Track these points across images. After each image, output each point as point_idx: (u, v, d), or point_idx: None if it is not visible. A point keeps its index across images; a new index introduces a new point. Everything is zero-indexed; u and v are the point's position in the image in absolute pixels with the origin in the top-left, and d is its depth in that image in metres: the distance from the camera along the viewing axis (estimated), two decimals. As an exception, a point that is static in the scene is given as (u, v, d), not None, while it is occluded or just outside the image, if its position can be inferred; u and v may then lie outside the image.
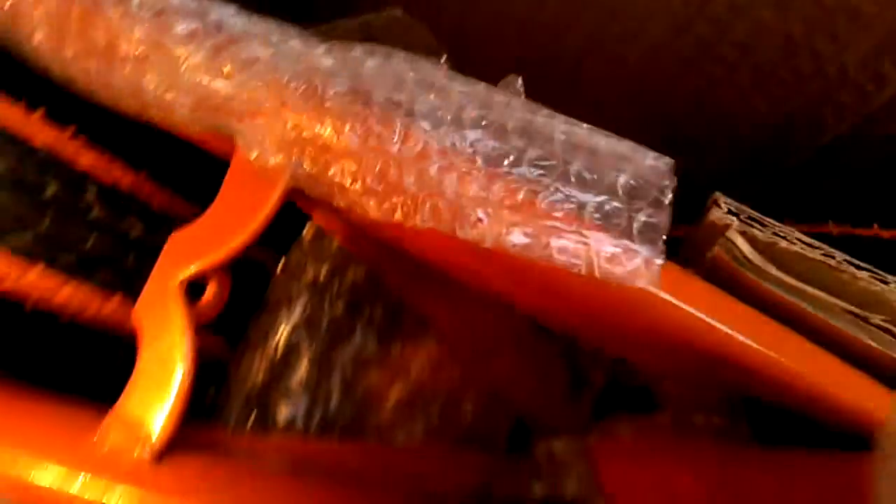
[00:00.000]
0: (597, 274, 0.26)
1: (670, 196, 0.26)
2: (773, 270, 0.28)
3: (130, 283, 0.40)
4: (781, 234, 0.29)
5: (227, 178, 0.33)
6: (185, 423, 0.32)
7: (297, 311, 0.43)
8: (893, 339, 0.28)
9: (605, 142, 0.28)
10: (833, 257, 0.29)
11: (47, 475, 0.29)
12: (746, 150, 0.42)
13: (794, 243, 0.29)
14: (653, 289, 0.26)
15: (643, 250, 0.26)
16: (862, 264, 0.29)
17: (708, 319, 0.27)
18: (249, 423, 0.42)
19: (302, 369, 0.43)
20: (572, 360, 0.48)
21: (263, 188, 0.32)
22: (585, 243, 0.26)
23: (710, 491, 0.33)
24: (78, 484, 0.29)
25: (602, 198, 0.26)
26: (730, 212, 0.29)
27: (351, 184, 0.28)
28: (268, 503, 0.31)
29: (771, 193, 0.41)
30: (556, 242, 0.26)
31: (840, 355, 0.28)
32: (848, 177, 0.40)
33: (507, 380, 0.47)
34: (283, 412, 0.43)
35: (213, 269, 0.32)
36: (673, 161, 0.27)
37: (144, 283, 0.36)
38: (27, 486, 0.29)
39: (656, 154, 0.28)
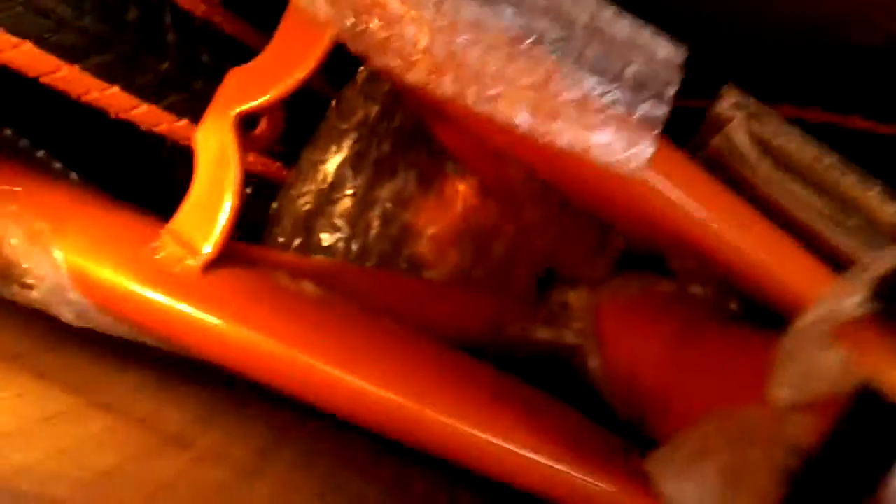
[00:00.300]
0: (592, 158, 0.28)
1: (674, 91, 0.28)
2: (766, 166, 0.30)
3: (199, 105, 0.44)
4: (780, 131, 0.31)
5: (282, 22, 0.36)
6: (234, 240, 0.37)
7: (346, 147, 0.47)
8: (863, 242, 0.30)
9: (626, 28, 0.30)
10: (825, 159, 0.31)
11: (110, 274, 0.34)
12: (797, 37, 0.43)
13: (792, 142, 0.31)
14: (643, 171, 0.29)
15: (639, 139, 0.28)
16: (851, 167, 0.31)
17: (689, 202, 0.30)
18: (294, 245, 0.47)
19: (346, 201, 0.47)
20: (598, 221, 0.50)
21: (314, 36, 0.35)
22: (586, 127, 0.28)
23: (683, 353, 0.36)
24: (133, 283, 0.34)
25: (610, 85, 0.29)
26: (736, 104, 0.31)
27: (386, 46, 0.31)
28: (299, 320, 0.35)
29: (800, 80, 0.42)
30: (558, 124, 0.29)
31: (816, 254, 0.31)
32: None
33: (535, 226, 0.51)
34: (326, 238, 0.47)
35: (265, 107, 0.36)
36: (686, 53, 0.29)
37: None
38: (92, 278, 0.35)
39: (672, 44, 0.30)
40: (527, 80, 0.29)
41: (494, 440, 0.32)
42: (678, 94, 0.48)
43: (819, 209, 0.30)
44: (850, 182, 0.30)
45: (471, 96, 0.29)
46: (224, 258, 0.36)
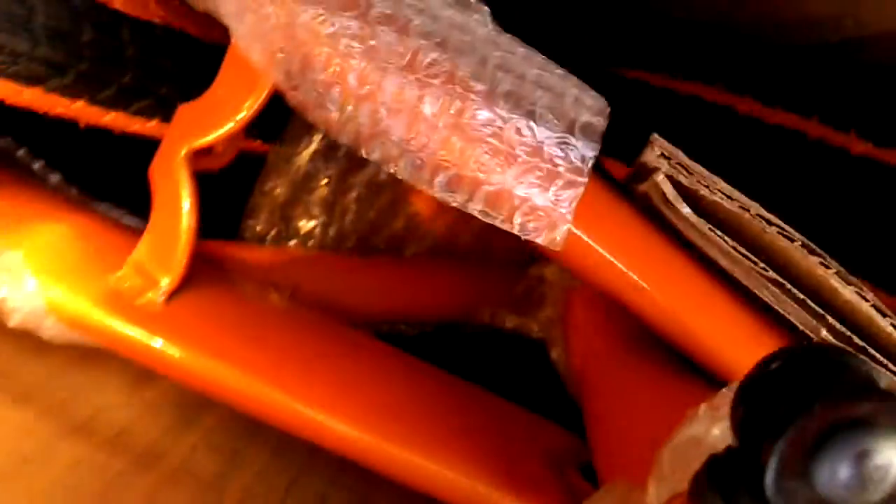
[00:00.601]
0: (510, 229, 0.29)
1: (588, 170, 0.29)
2: (692, 217, 0.31)
3: (167, 108, 0.44)
4: (705, 183, 0.31)
5: (226, 58, 0.36)
6: (205, 240, 0.38)
7: (316, 141, 0.47)
8: (783, 295, 0.31)
9: (550, 90, 0.30)
10: (748, 210, 0.31)
11: (79, 305, 0.37)
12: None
13: (715, 193, 0.31)
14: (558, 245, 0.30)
15: (555, 222, 0.29)
16: (773, 220, 0.31)
17: (614, 263, 0.31)
18: (272, 234, 0.48)
19: (321, 190, 0.49)
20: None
21: (257, 76, 0.35)
22: (506, 202, 0.29)
23: (618, 367, 0.38)
24: (100, 315, 0.36)
25: (528, 162, 0.29)
26: (663, 155, 0.31)
27: (318, 106, 0.31)
28: (263, 347, 0.37)
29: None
30: (476, 198, 0.29)
31: (745, 307, 0.32)
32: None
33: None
34: (304, 226, 0.49)
35: (213, 144, 0.36)
36: (605, 125, 0.30)
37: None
38: (63, 308, 0.37)
39: (595, 106, 0.30)
40: (448, 153, 0.30)
41: (430, 466, 0.35)
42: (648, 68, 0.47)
43: (743, 261, 0.31)
44: (772, 234, 0.31)
45: (394, 165, 0.30)
46: (187, 284, 0.38)
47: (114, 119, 0.44)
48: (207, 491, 0.36)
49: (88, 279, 0.37)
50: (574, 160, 0.29)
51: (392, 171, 0.30)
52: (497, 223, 0.29)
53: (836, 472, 0.17)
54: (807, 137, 0.39)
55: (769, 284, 0.31)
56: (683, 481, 0.21)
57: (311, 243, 0.49)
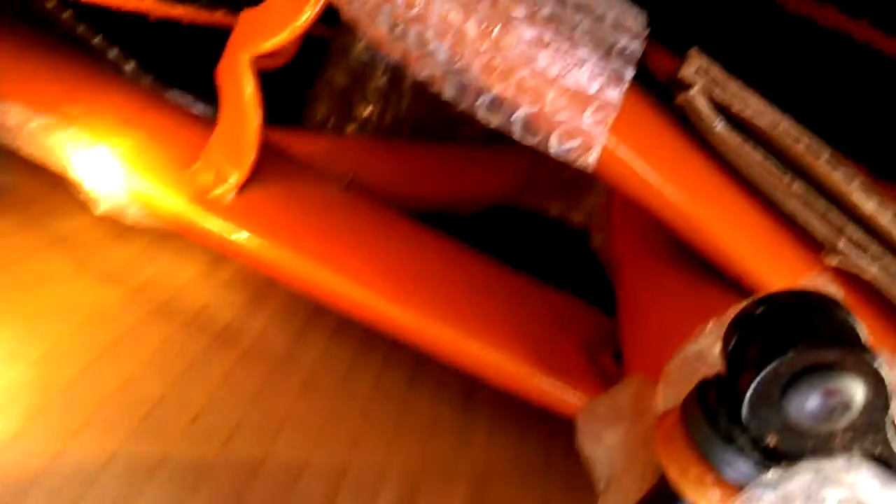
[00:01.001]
0: (546, 150, 0.32)
1: (622, 93, 0.30)
2: (724, 131, 0.32)
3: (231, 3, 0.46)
4: (738, 98, 0.32)
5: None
6: (271, 127, 0.41)
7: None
8: (806, 208, 0.33)
9: (590, 13, 0.32)
10: (779, 125, 0.32)
11: (156, 195, 0.40)
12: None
13: (748, 108, 0.32)
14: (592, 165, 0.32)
15: (587, 139, 0.31)
16: (802, 135, 0.32)
17: (650, 172, 0.33)
18: (332, 120, 0.51)
19: (378, 77, 0.51)
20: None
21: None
22: (543, 124, 0.31)
23: (660, 273, 0.40)
24: (174, 206, 0.40)
25: (565, 86, 0.31)
26: (699, 70, 0.32)
27: (370, 22, 0.33)
28: (327, 231, 0.41)
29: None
30: (515, 119, 0.31)
31: (772, 219, 0.34)
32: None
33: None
34: (361, 111, 0.51)
35: (275, 50, 0.39)
36: (642, 49, 0.31)
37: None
38: (145, 199, 0.41)
39: (634, 30, 0.32)
40: (489, 69, 0.31)
41: (470, 347, 0.38)
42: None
43: (771, 174, 0.32)
44: (801, 148, 0.32)
45: (440, 86, 0.32)
46: (254, 177, 0.41)
47: (182, 13, 0.46)
48: (279, 367, 0.41)
49: (166, 173, 0.41)
50: (609, 84, 0.31)
51: (437, 90, 0.32)
52: (534, 144, 0.32)
53: (804, 404, 0.20)
54: (853, 40, 0.39)
55: (794, 197, 0.33)
56: (685, 392, 0.24)
57: (368, 129, 0.51)
